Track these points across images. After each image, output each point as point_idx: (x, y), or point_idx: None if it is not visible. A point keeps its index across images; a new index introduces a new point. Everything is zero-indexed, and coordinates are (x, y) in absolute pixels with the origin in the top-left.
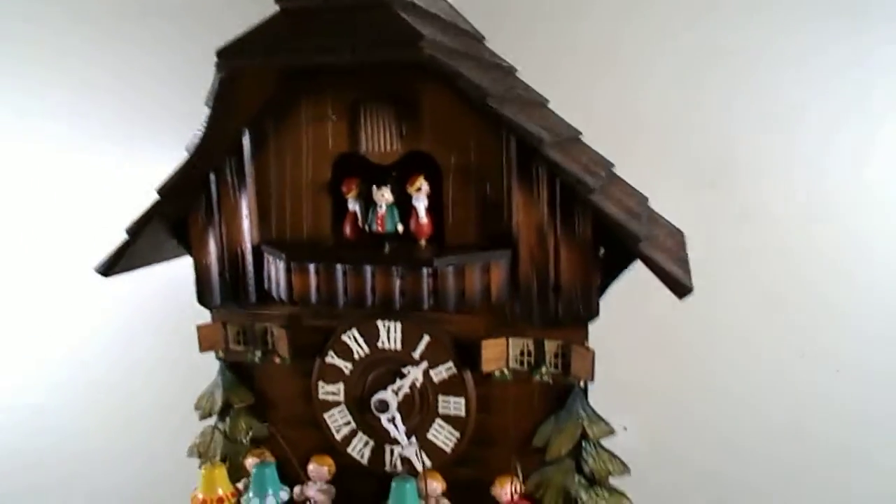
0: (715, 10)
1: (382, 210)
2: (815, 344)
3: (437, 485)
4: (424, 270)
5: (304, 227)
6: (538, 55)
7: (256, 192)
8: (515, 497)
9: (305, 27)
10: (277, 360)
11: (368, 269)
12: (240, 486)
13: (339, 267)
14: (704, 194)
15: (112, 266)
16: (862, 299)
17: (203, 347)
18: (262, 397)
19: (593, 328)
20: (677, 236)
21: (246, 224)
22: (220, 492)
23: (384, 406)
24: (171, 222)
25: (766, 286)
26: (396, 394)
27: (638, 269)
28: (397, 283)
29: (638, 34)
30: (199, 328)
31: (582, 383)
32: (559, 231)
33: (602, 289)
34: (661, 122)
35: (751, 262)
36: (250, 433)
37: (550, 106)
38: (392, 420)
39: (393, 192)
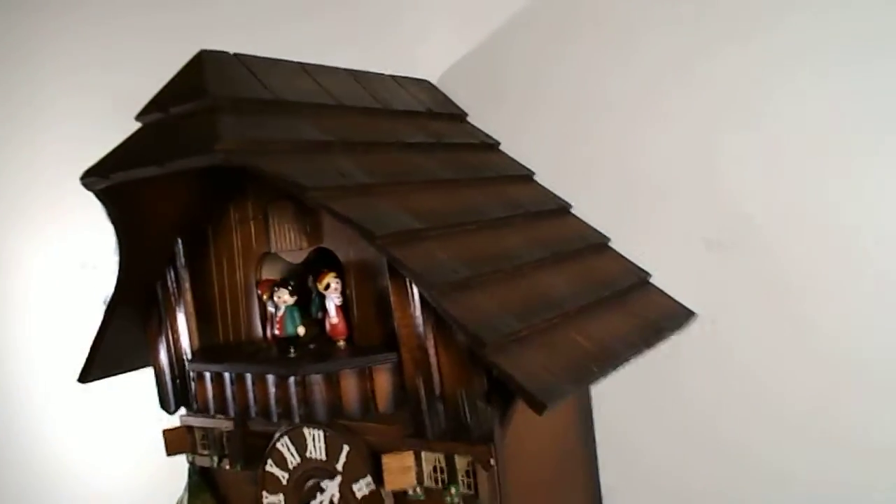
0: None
1: (281, 312)
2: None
3: None
4: (292, 379)
5: (242, 330)
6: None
7: (195, 298)
8: None
9: (153, 139)
10: (227, 466)
11: (249, 377)
12: None
13: (227, 375)
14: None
15: (86, 373)
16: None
17: (169, 451)
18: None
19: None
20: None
21: (183, 331)
22: None
23: None
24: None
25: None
26: None
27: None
28: (272, 391)
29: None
30: (165, 432)
31: None
32: (435, 333)
33: (507, 400)
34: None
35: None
36: None
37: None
38: None
39: (295, 293)
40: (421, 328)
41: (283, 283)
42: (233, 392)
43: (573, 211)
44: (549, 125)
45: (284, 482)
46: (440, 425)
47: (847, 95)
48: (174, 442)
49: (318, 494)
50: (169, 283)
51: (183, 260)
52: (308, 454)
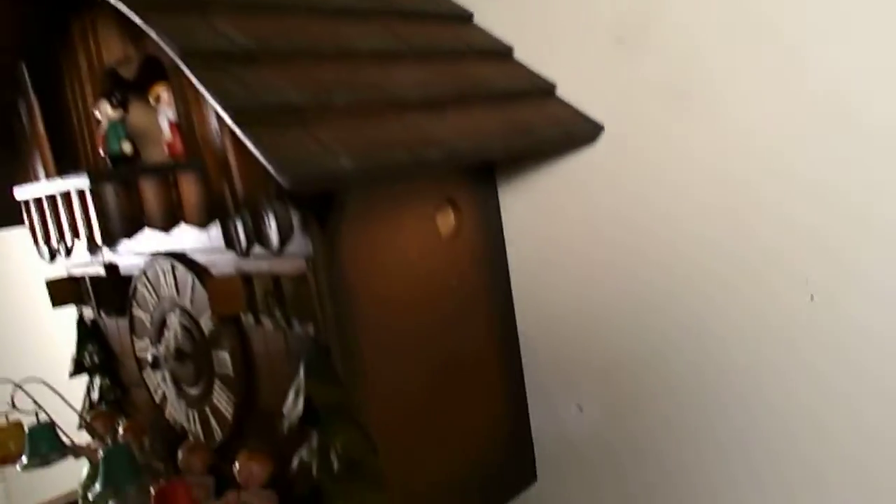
0: None
1: (104, 129)
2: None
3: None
4: (88, 192)
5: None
6: None
7: (50, 127)
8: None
9: None
10: (105, 315)
11: (58, 197)
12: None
13: (43, 199)
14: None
15: None
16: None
17: (55, 302)
18: (111, 356)
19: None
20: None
21: (37, 157)
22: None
23: (156, 363)
24: None
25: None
26: (162, 345)
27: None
28: (78, 210)
29: None
30: (49, 283)
31: (312, 332)
32: (231, 133)
33: (320, 209)
34: None
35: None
36: (108, 394)
37: None
38: (165, 379)
39: (120, 106)
40: (216, 126)
41: (105, 96)
42: (53, 216)
43: (475, 21)
44: None
45: (148, 324)
46: (249, 236)
47: None
48: (59, 293)
49: (165, 331)
50: (22, 117)
51: (30, 86)
52: (162, 292)
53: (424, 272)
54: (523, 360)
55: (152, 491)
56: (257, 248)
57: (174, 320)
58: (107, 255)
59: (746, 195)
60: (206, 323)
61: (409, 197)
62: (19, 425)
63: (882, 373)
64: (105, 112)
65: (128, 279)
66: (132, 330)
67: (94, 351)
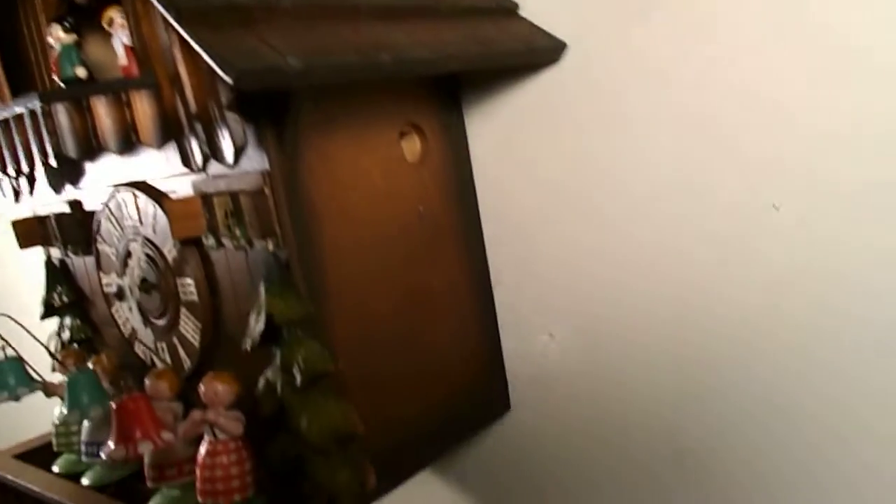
0: None
1: (57, 51)
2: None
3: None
4: (39, 108)
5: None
6: None
7: (4, 54)
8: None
9: None
10: (72, 254)
11: (10, 119)
12: None
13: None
14: None
15: None
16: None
17: (22, 244)
18: (81, 296)
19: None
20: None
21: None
22: None
23: (121, 294)
24: None
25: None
26: (133, 277)
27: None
28: (30, 132)
29: None
30: (15, 224)
31: (272, 247)
32: (181, 43)
33: (275, 114)
34: None
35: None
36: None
37: None
38: (132, 310)
39: (73, 31)
40: (165, 39)
41: (58, 20)
42: (8, 143)
43: None
44: None
45: (114, 258)
46: (203, 152)
47: None
48: (26, 234)
49: (129, 261)
50: None
51: None
52: (125, 223)
53: (390, 196)
54: (494, 290)
55: (113, 405)
56: (214, 167)
57: (137, 249)
58: (71, 191)
59: (715, 107)
60: (170, 251)
61: (372, 119)
62: None
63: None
64: (57, 36)
65: (93, 214)
66: (98, 266)
67: (63, 291)
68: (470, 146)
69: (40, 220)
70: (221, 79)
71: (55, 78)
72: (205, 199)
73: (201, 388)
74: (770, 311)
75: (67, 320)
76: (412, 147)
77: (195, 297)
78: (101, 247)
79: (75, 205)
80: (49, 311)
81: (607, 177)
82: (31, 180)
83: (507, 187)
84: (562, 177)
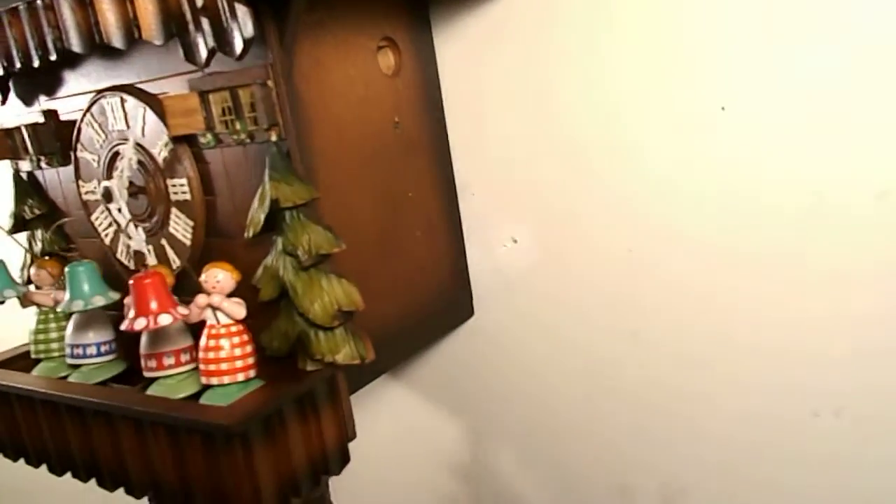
0: None
1: None
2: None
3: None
4: (40, 3)
5: None
6: None
7: None
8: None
9: None
10: (46, 164)
11: (3, 17)
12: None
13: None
14: None
15: None
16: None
17: None
18: (54, 208)
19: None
20: None
21: None
22: None
23: (109, 195)
24: None
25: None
26: (121, 178)
27: None
28: (27, 29)
29: None
30: None
31: (275, 137)
32: None
33: (280, 16)
34: None
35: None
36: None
37: None
38: (121, 210)
39: None
40: None
41: None
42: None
43: None
44: None
45: (96, 164)
46: (207, 44)
47: None
48: None
49: (118, 163)
50: None
51: None
52: (110, 127)
53: (370, 105)
54: (459, 200)
55: (130, 282)
56: (213, 65)
57: (128, 151)
58: (43, 102)
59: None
60: (160, 152)
61: (355, 30)
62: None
63: None
64: None
65: (69, 123)
66: (78, 174)
67: (33, 204)
68: (438, 61)
69: (6, 133)
70: None
71: None
72: (202, 96)
73: (202, 277)
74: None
75: (39, 233)
76: (387, 61)
77: (188, 196)
78: (82, 154)
79: (50, 114)
80: (19, 224)
81: (570, 93)
82: (4, 90)
83: (472, 101)
84: (525, 94)
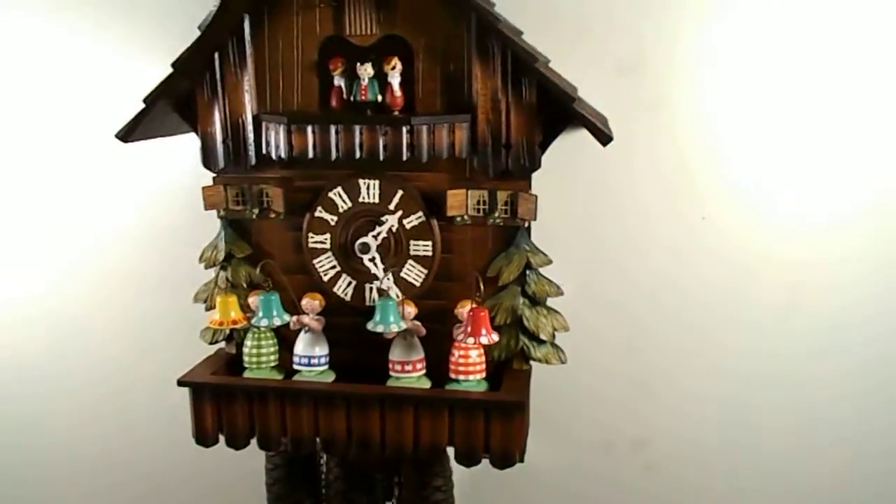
0: None
1: (365, 82)
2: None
3: (410, 309)
4: (404, 128)
5: (295, 101)
6: None
7: (255, 70)
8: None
9: None
10: (272, 215)
11: (357, 127)
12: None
13: (332, 127)
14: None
15: (130, 132)
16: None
17: (207, 206)
18: (258, 249)
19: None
20: (600, 116)
21: (247, 97)
22: (234, 315)
23: (366, 248)
24: (176, 98)
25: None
26: (376, 238)
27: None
28: (381, 139)
29: None
30: (204, 189)
31: (526, 224)
32: (510, 97)
33: (543, 146)
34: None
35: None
36: (250, 278)
37: None
38: (372, 260)
39: (373, 68)
40: (499, 93)
41: (364, 61)
42: (337, 141)
43: None
44: None
45: (333, 224)
46: (500, 166)
47: None
48: (211, 198)
49: (377, 227)
50: (231, 55)
51: (248, 32)
52: (361, 199)
53: None
54: None
55: (469, 306)
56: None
57: (390, 220)
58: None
59: None
60: (412, 222)
61: None
62: (232, 296)
63: None
64: (368, 71)
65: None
66: (310, 228)
67: (243, 247)
68: None
69: (224, 187)
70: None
71: (362, 97)
72: (465, 191)
73: (457, 309)
74: None
75: (242, 270)
76: None
77: (429, 253)
78: (320, 214)
79: (285, 181)
80: (227, 260)
81: None
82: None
83: None
84: None
